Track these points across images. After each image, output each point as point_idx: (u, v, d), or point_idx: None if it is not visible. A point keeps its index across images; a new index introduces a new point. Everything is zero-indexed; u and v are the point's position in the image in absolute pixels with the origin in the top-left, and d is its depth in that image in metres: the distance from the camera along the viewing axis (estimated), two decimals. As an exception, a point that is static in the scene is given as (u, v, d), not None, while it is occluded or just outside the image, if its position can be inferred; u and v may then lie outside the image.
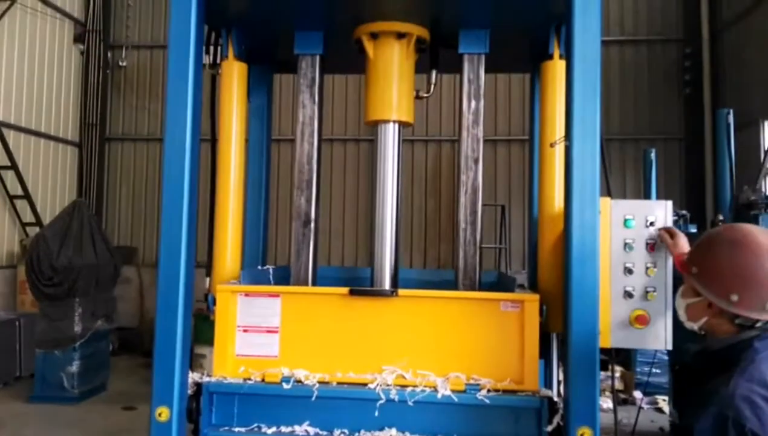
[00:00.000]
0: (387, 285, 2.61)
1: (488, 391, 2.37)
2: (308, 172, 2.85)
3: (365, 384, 2.42)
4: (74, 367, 7.06)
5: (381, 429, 2.41)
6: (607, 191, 2.54)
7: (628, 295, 2.47)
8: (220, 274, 2.76)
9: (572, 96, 2.29)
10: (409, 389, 2.38)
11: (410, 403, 2.36)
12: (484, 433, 2.40)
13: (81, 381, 7.13)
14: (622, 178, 10.30)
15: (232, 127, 2.85)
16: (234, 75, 2.85)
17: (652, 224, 2.49)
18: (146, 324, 9.64)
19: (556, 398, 2.36)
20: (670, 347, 2.47)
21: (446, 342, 2.46)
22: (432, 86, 3.00)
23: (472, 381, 2.41)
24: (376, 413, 2.39)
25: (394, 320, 2.48)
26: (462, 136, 2.79)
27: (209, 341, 2.62)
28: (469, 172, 2.78)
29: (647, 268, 2.48)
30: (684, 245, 2.41)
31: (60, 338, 7.03)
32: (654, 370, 7.19)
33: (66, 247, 7.02)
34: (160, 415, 2.35)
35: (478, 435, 2.40)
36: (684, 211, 6.61)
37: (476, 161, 2.78)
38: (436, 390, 2.37)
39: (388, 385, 2.41)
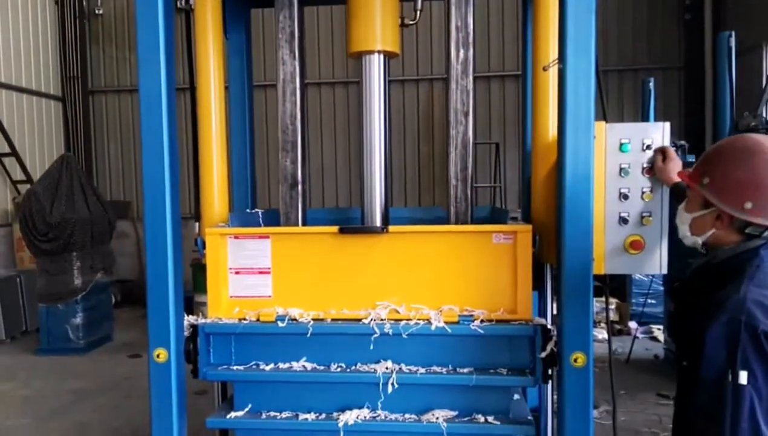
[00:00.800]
0: (378, 223, 2.58)
1: (482, 321, 2.38)
2: (292, 133, 2.73)
3: (359, 320, 2.43)
4: (78, 319, 7.19)
5: (377, 362, 2.44)
6: (603, 116, 2.48)
7: (623, 221, 2.44)
8: (209, 218, 2.73)
9: (565, 14, 2.19)
10: (402, 322, 2.40)
11: (404, 336, 2.37)
12: (478, 363, 2.44)
13: (86, 333, 7.28)
14: (619, 109, 10.16)
15: (209, 65, 2.75)
16: (208, 10, 2.73)
17: (648, 147, 2.44)
18: (146, 276, 9.70)
19: (549, 326, 2.37)
20: (665, 271, 2.45)
21: (439, 277, 2.46)
22: (418, 12, 2.88)
23: (465, 313, 2.41)
24: (371, 347, 2.42)
25: (385, 256, 2.47)
26: (450, 88, 2.66)
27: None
28: (459, 127, 2.66)
29: (643, 193, 2.44)
30: (674, 168, 2.37)
31: (61, 292, 7.12)
32: (649, 300, 7.31)
33: (58, 202, 7.00)
34: (158, 356, 2.37)
35: (472, 365, 2.44)
36: (683, 142, 6.54)
37: (466, 115, 2.66)
38: (429, 323, 2.38)
39: (382, 320, 2.42)
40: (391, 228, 2.47)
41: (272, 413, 2.49)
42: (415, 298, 2.46)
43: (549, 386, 2.74)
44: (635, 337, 7.00)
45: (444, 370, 2.43)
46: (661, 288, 7.07)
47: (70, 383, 6.23)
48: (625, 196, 2.46)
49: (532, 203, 2.73)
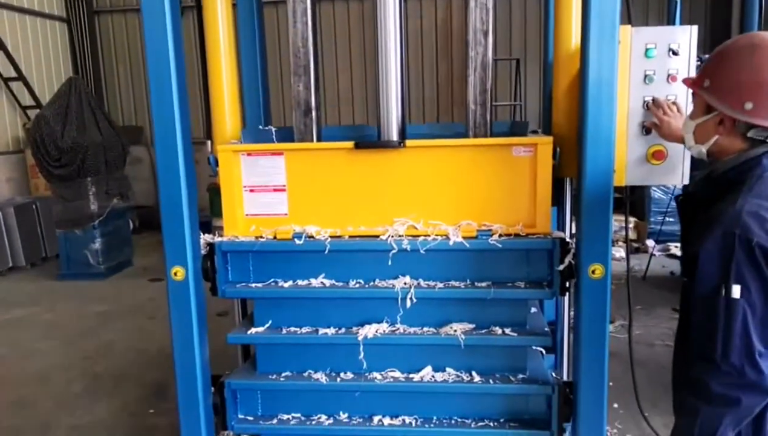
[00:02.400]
0: (394, 138, 2.51)
1: (500, 236, 2.35)
2: (304, 56, 2.58)
3: (377, 236, 2.41)
4: (97, 244, 7.30)
5: (395, 278, 2.45)
6: (628, 19, 2.34)
7: (647, 130, 2.35)
8: (221, 137, 2.67)
9: None
10: (420, 238, 2.37)
11: (422, 252, 2.36)
12: (495, 277, 2.43)
13: (106, 258, 7.40)
14: (644, 14, 9.72)
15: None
16: None
17: (675, 52, 2.32)
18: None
19: (568, 239, 2.34)
20: (687, 181, 2.38)
21: (457, 192, 2.41)
22: None
23: (483, 228, 2.38)
24: (389, 263, 2.41)
25: (403, 172, 2.42)
26: (469, 5, 2.47)
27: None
28: (478, 48, 2.49)
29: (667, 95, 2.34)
30: (677, 121, 2.26)
31: (78, 218, 7.20)
32: (667, 218, 7.26)
33: (69, 126, 6.96)
34: (175, 275, 2.37)
35: (489, 279, 2.43)
36: (707, 55, 6.24)
37: (486, 34, 2.48)
38: (447, 238, 2.36)
39: (399, 236, 2.39)
40: (409, 143, 2.40)
41: (292, 329, 2.53)
42: (433, 214, 2.42)
43: (566, 301, 2.75)
44: (652, 254, 7.01)
45: (462, 284, 2.43)
46: (680, 206, 6.99)
47: (93, 306, 6.39)
48: (649, 105, 2.36)
49: (553, 116, 2.63)
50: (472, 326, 2.45)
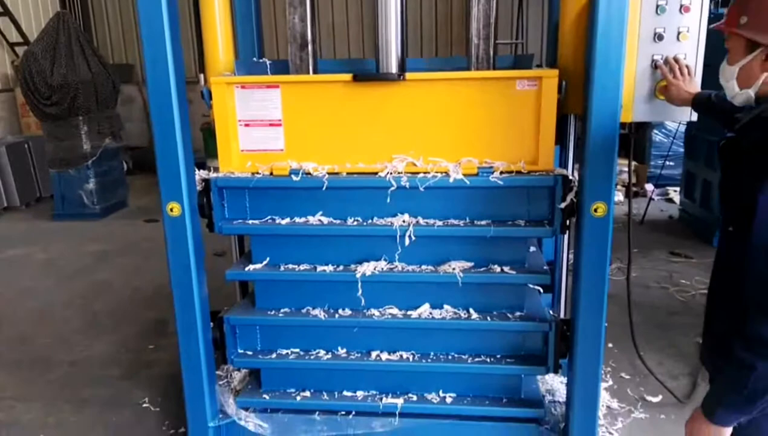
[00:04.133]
0: (393, 71, 2.42)
1: (501, 173, 2.31)
2: None
3: (375, 173, 2.37)
4: (91, 184, 7.20)
5: (393, 216, 2.41)
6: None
7: (656, 65, 2.26)
8: (214, 69, 2.56)
9: None
10: (420, 175, 2.33)
11: (422, 189, 2.32)
12: (495, 215, 2.40)
13: (100, 198, 7.32)
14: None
15: None
16: None
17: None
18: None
19: (570, 177, 2.30)
20: (695, 118, 2.28)
21: (458, 127, 2.35)
22: None
23: (484, 165, 2.33)
24: (388, 200, 2.37)
25: (402, 106, 2.35)
26: None
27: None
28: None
29: (679, 33, 2.22)
30: (689, 82, 2.15)
31: (71, 157, 7.07)
32: (667, 163, 7.19)
33: (58, 63, 6.74)
34: (171, 210, 2.34)
35: (489, 217, 2.40)
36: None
37: None
38: (447, 175, 2.32)
39: (398, 173, 2.35)
40: (408, 75, 2.31)
41: (290, 266, 2.51)
42: (433, 150, 2.37)
43: (565, 241, 2.73)
44: (651, 198, 6.98)
45: (461, 222, 2.40)
46: (681, 150, 6.90)
47: (89, 246, 6.34)
48: (660, 37, 2.24)
49: (559, 49, 2.52)
50: (470, 264, 2.44)
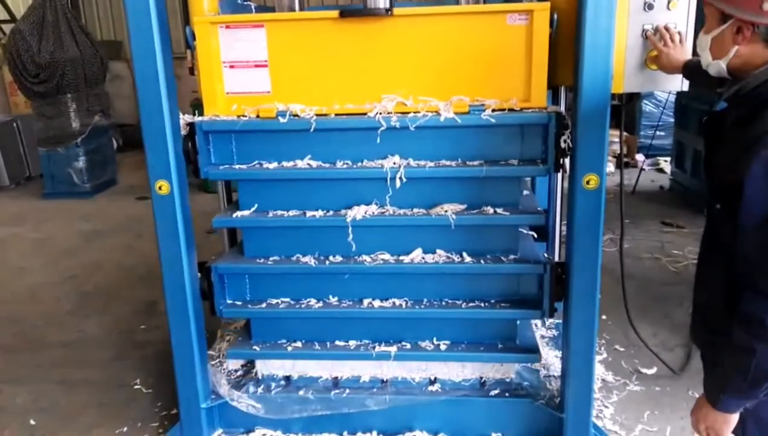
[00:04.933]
0: (381, 6, 2.35)
1: (493, 111, 2.26)
2: None
3: (364, 114, 2.31)
4: (81, 163, 7.13)
5: (383, 158, 2.36)
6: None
7: (646, 35, 2.21)
8: (198, 10, 2.47)
9: None
10: (410, 115, 2.28)
11: (412, 128, 2.26)
12: (488, 155, 2.36)
13: (90, 176, 7.25)
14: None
15: None
16: None
17: None
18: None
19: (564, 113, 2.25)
20: (686, 87, 2.26)
21: (448, 65, 2.29)
22: None
23: (476, 103, 2.28)
24: (378, 141, 2.32)
25: (390, 44, 2.29)
26: None
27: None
28: None
29: (669, 1, 2.18)
30: (680, 50, 2.11)
31: (60, 136, 7.00)
32: (658, 133, 7.16)
33: (45, 41, 6.65)
34: (160, 188, 2.32)
35: (482, 157, 2.36)
36: None
37: None
38: (438, 114, 2.26)
39: (388, 112, 2.30)
40: (397, 10, 2.25)
41: (279, 212, 2.47)
42: (423, 90, 2.31)
43: (558, 188, 2.69)
44: (642, 169, 6.95)
45: (453, 163, 2.36)
46: (671, 120, 6.88)
47: (80, 224, 6.28)
48: (650, 6, 2.20)
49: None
50: (463, 206, 2.40)
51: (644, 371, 3.22)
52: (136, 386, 3.31)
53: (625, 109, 2.53)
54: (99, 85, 7.30)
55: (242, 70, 2.34)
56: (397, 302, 2.52)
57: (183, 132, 2.34)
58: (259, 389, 2.73)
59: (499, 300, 2.49)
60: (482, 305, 2.48)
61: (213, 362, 2.85)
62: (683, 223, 5.42)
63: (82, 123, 7.05)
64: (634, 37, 2.22)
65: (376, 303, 2.52)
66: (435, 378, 2.73)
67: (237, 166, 2.42)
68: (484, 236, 2.43)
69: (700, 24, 2.00)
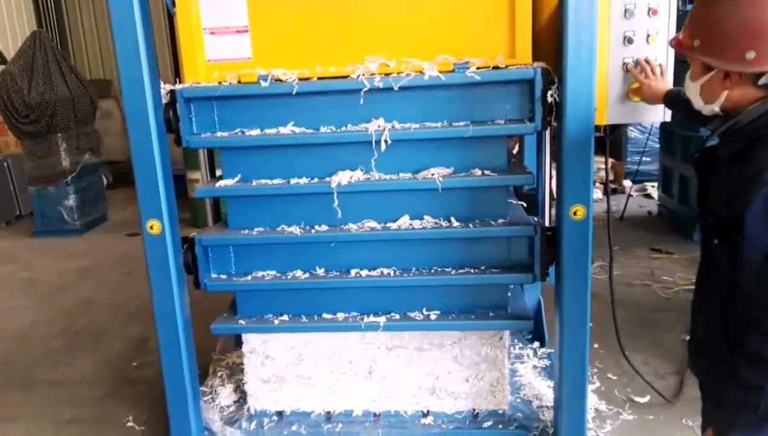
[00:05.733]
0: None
1: (478, 68, 2.23)
2: None
3: (347, 76, 2.28)
4: (71, 201, 7.08)
5: (368, 121, 2.32)
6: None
7: (627, 68, 2.26)
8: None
9: None
10: (393, 75, 2.25)
11: (396, 89, 2.23)
12: (474, 115, 2.32)
13: (81, 214, 7.19)
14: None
15: None
16: None
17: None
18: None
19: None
20: (668, 118, 2.31)
21: (431, 24, 2.28)
22: None
23: (460, 61, 2.26)
24: (361, 103, 2.28)
25: (373, 3, 2.28)
26: None
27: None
28: None
29: (648, 36, 2.24)
30: (660, 81, 2.18)
31: (50, 175, 6.97)
32: (644, 158, 7.20)
33: (36, 82, 6.72)
34: (151, 228, 2.33)
35: (468, 118, 2.32)
36: (688, 6, 6.15)
37: None
38: (422, 73, 2.24)
39: (372, 74, 2.27)
40: (378, -32, 2.25)
41: (263, 181, 2.41)
42: (407, 50, 2.29)
43: (547, 152, 2.64)
44: (629, 195, 6.97)
45: (439, 124, 2.32)
46: (657, 145, 6.95)
47: (70, 262, 6.17)
48: (630, 40, 2.26)
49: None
50: (450, 169, 2.34)
51: (637, 399, 3.16)
52: (128, 423, 3.21)
53: (609, 139, 2.57)
54: (89, 124, 7.34)
55: (223, 37, 2.33)
56: (386, 271, 2.43)
57: (164, 100, 2.30)
58: (252, 425, 2.70)
59: (490, 266, 2.40)
60: (472, 270, 2.39)
61: (205, 398, 2.81)
62: (672, 248, 5.40)
63: (72, 161, 7.04)
64: (614, 70, 2.27)
65: (364, 273, 2.42)
66: (428, 411, 2.70)
67: (219, 134, 2.37)
68: (473, 200, 2.37)
69: (678, 57, 2.04)
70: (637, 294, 4.46)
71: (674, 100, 2.12)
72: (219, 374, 3.17)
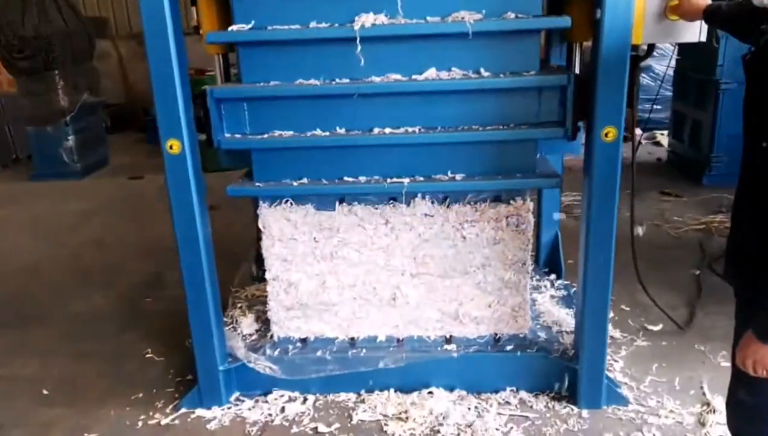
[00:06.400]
0: None
1: None
2: None
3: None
4: (70, 142, 6.93)
5: None
6: None
7: None
8: None
9: None
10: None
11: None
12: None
13: (81, 156, 7.06)
14: None
15: None
16: None
17: None
18: (134, 99, 9.26)
19: None
20: (704, 38, 2.27)
21: None
22: None
23: None
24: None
25: None
26: None
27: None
28: None
29: None
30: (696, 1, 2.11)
31: (48, 114, 6.80)
32: (655, 106, 7.14)
33: (29, 14, 6.47)
34: (171, 148, 2.28)
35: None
36: None
37: None
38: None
39: None
40: None
41: (278, 27, 2.31)
42: None
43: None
44: (639, 142, 6.95)
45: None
46: (669, 93, 6.88)
47: (73, 204, 6.09)
48: None
49: None
50: (481, 14, 2.26)
51: (650, 327, 3.24)
52: (147, 355, 3.24)
53: (639, 61, 2.48)
54: (86, 62, 7.14)
55: None
56: (410, 129, 2.35)
57: None
58: (276, 352, 2.73)
59: (519, 123, 2.35)
60: (501, 127, 2.34)
61: (227, 328, 2.82)
62: (681, 192, 5.46)
63: (70, 100, 6.86)
64: None
65: (387, 130, 2.35)
66: (450, 336, 2.73)
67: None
68: (504, 49, 2.29)
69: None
70: (648, 233, 4.51)
71: (714, 14, 2.08)
72: (239, 305, 3.20)
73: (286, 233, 2.65)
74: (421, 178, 2.42)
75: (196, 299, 2.51)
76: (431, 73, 2.30)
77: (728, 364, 2.81)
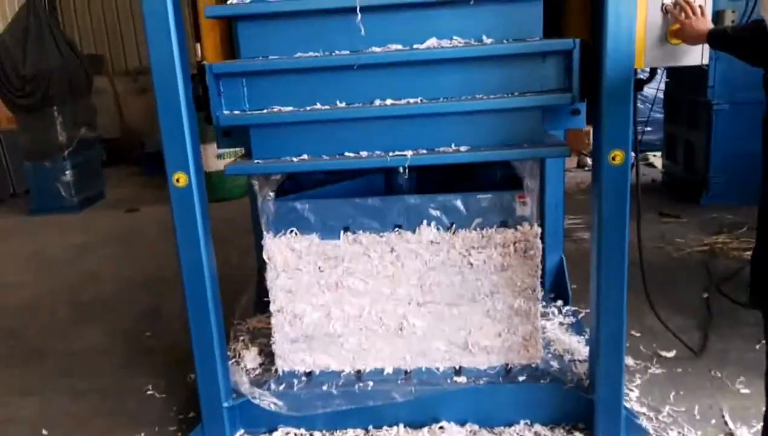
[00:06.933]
0: None
1: None
2: None
3: None
4: (68, 176, 6.94)
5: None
6: None
7: (666, 9, 2.19)
8: None
9: None
10: None
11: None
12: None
13: (78, 190, 7.05)
14: None
15: None
16: None
17: None
18: (129, 133, 9.37)
19: None
20: (706, 61, 2.28)
21: None
22: None
23: None
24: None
25: None
26: None
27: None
28: None
29: None
30: (702, 20, 2.12)
31: (47, 149, 6.83)
32: (647, 128, 7.21)
33: (30, 53, 6.54)
34: (177, 181, 2.27)
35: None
36: None
37: None
38: None
39: None
40: None
41: None
42: None
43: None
44: (633, 164, 6.98)
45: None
46: (660, 116, 6.96)
47: (71, 238, 6.05)
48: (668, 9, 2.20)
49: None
50: None
51: (663, 353, 3.17)
52: (148, 392, 3.16)
53: (642, 85, 2.47)
54: (84, 97, 7.18)
55: None
56: (412, 100, 2.29)
57: None
58: (281, 386, 2.67)
59: (525, 91, 2.28)
60: (505, 95, 2.27)
61: (230, 362, 2.76)
62: (680, 213, 5.44)
63: (69, 136, 6.89)
64: (653, 12, 2.21)
65: (389, 102, 2.29)
66: (460, 367, 2.67)
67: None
68: (506, 14, 2.24)
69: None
70: (651, 255, 4.44)
71: (720, 38, 2.08)
72: (241, 338, 3.14)
73: (291, 263, 2.62)
74: (424, 151, 2.34)
75: (201, 333, 2.46)
76: (432, 42, 2.27)
77: (748, 391, 2.78)
